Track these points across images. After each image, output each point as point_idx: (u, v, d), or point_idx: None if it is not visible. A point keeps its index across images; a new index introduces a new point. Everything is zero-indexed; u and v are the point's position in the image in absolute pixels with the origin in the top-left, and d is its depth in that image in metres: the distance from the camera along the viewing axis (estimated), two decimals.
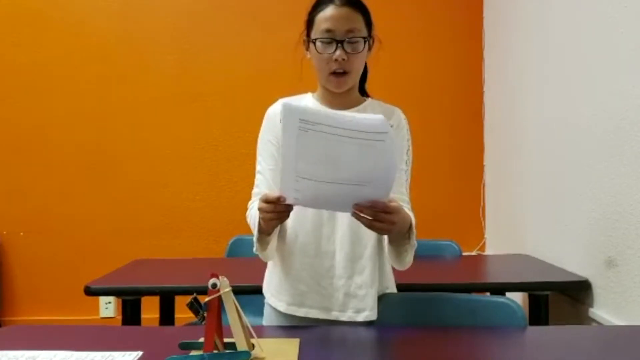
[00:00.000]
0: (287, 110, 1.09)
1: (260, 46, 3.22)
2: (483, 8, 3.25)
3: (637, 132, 1.70)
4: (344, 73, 1.36)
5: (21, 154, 3.19)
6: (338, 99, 1.43)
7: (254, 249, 1.34)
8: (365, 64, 1.47)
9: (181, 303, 1.18)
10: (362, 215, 1.15)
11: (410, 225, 1.29)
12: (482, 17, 3.26)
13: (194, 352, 1.08)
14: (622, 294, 1.79)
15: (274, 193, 1.18)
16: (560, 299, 2.18)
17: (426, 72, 3.27)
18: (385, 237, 1.34)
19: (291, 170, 1.11)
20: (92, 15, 3.20)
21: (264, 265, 1.52)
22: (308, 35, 1.40)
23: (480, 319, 1.43)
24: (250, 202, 1.43)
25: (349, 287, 1.38)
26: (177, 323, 2.37)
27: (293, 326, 1.39)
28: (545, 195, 2.41)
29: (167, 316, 2.34)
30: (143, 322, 2.15)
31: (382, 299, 1.43)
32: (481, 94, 3.27)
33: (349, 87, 1.40)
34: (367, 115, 1.14)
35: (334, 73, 1.36)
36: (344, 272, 1.38)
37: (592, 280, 1.98)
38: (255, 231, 1.31)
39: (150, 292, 2.04)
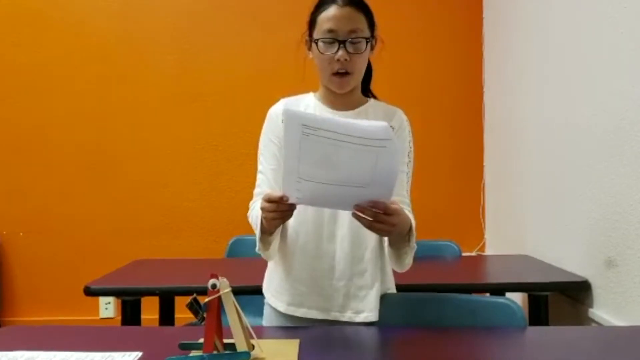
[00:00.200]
0: (289, 116, 1.09)
1: (260, 46, 3.22)
2: (483, 8, 3.25)
3: (637, 132, 1.70)
4: (346, 73, 1.35)
5: (21, 154, 3.19)
6: (340, 99, 1.42)
7: (257, 249, 1.34)
8: (370, 64, 1.47)
9: (181, 303, 1.17)
10: (362, 216, 1.15)
11: (410, 227, 1.29)
12: (482, 17, 3.26)
13: (193, 353, 1.08)
14: (622, 294, 1.79)
15: (276, 192, 1.18)
16: (560, 300, 2.18)
17: (426, 72, 3.27)
18: (386, 239, 1.34)
19: (293, 172, 1.11)
20: (92, 15, 3.20)
21: (264, 266, 1.52)
22: (310, 35, 1.39)
23: (480, 319, 1.43)
24: (252, 202, 1.43)
25: (349, 288, 1.38)
26: (177, 323, 2.37)
27: (293, 327, 1.39)
28: (545, 196, 2.41)
29: (167, 316, 2.34)
30: (143, 323, 2.15)
31: (382, 299, 1.43)
32: (481, 94, 3.27)
33: (351, 88, 1.40)
34: (370, 122, 1.14)
35: (336, 73, 1.35)
36: (344, 273, 1.38)
37: (592, 280, 1.98)
38: (257, 231, 1.31)
39: (150, 292, 2.04)
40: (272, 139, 1.42)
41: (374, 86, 1.54)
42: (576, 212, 2.09)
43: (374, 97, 1.51)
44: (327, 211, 1.36)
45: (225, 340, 1.08)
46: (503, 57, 2.98)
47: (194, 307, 1.07)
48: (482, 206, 3.26)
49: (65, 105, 3.20)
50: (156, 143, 3.22)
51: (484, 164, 3.27)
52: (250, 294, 1.59)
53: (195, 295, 1.09)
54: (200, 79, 3.23)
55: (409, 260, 1.33)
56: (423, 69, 3.27)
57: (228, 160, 3.22)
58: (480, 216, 3.26)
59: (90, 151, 3.21)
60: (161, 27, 3.22)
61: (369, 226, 1.18)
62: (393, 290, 1.50)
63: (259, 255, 1.38)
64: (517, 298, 2.31)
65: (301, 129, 1.07)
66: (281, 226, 1.35)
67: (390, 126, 1.39)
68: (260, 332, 1.26)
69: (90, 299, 2.07)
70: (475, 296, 1.60)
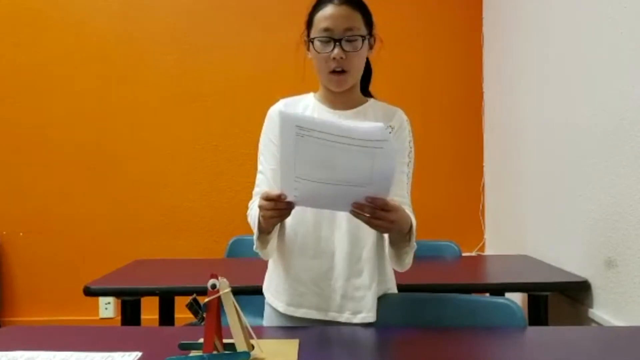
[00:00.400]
0: (284, 118, 1.10)
1: (260, 46, 3.22)
2: (483, 8, 3.25)
3: (637, 132, 1.70)
4: (343, 72, 1.35)
5: (21, 154, 3.19)
6: (339, 99, 1.42)
7: (254, 247, 1.34)
8: (370, 64, 1.47)
9: (181, 303, 1.17)
10: (361, 212, 1.15)
11: (411, 226, 1.28)
12: (482, 17, 3.26)
13: (193, 353, 1.08)
14: (622, 294, 1.79)
15: (274, 190, 1.18)
16: (559, 300, 2.18)
17: (426, 72, 3.27)
18: (386, 238, 1.34)
19: (290, 171, 1.11)
20: (92, 15, 3.20)
21: (264, 266, 1.52)
22: (309, 35, 1.39)
23: (480, 319, 1.43)
24: (251, 202, 1.43)
25: (347, 288, 1.38)
26: (176, 323, 2.37)
27: (293, 327, 1.39)
28: (545, 196, 2.41)
29: (166, 317, 2.34)
30: (143, 323, 2.15)
31: (382, 299, 1.43)
32: (481, 94, 3.27)
33: (349, 86, 1.39)
34: (365, 124, 1.14)
35: (333, 72, 1.36)
36: (342, 273, 1.38)
37: (591, 280, 1.98)
38: (255, 229, 1.31)
39: (150, 292, 2.03)
40: (272, 139, 1.42)
41: (374, 86, 1.54)
42: (576, 212, 2.09)
43: (372, 97, 1.51)
44: (325, 211, 1.36)
45: (225, 340, 1.08)
46: (503, 57, 2.98)
47: (194, 307, 1.07)
48: (482, 206, 3.26)
49: (65, 105, 3.20)
50: (156, 143, 3.22)
51: (484, 164, 3.27)
52: (250, 294, 1.59)
53: (195, 295, 1.09)
54: (200, 79, 3.23)
55: (409, 260, 1.33)
56: (423, 69, 3.27)
57: (228, 160, 3.22)
58: (480, 216, 3.26)
59: (90, 151, 3.21)
60: (161, 27, 3.23)
61: (368, 222, 1.18)
62: (394, 290, 1.50)
63: (259, 255, 1.38)
64: (517, 298, 2.31)
65: (295, 130, 1.07)
66: (279, 225, 1.35)
67: (390, 126, 1.40)
68: (260, 332, 1.26)
69: (90, 299, 2.07)
70: (475, 296, 1.60)
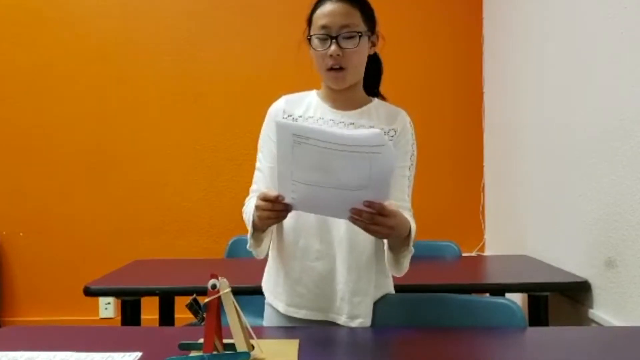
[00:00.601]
0: (281, 127, 1.11)
1: (260, 46, 3.22)
2: (483, 8, 3.25)
3: (637, 132, 1.70)
4: (341, 69, 1.34)
5: (21, 154, 3.19)
6: (341, 98, 1.41)
7: (248, 246, 1.34)
8: (380, 63, 1.46)
9: (181, 304, 1.17)
10: (359, 218, 1.14)
11: (410, 230, 1.27)
12: (482, 17, 3.25)
13: (193, 353, 1.08)
14: (622, 294, 1.79)
15: (272, 191, 1.18)
16: (560, 300, 2.18)
17: (426, 72, 3.27)
18: (385, 242, 1.33)
19: (287, 176, 1.12)
20: (92, 15, 3.20)
21: (263, 266, 1.52)
22: (309, 33, 1.38)
23: (480, 319, 1.43)
24: (247, 198, 1.43)
25: (345, 292, 1.37)
26: (176, 324, 2.36)
27: (293, 327, 1.39)
28: (545, 196, 2.41)
29: (166, 317, 2.34)
30: (143, 323, 2.15)
31: (382, 300, 1.43)
32: (481, 94, 3.27)
33: (348, 84, 1.37)
34: (363, 131, 1.14)
35: (330, 69, 1.34)
36: (340, 277, 1.37)
37: (591, 281, 1.98)
38: (250, 227, 1.31)
39: (150, 292, 2.03)
40: (271, 136, 1.40)
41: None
42: (576, 212, 2.09)
43: (382, 97, 1.49)
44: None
45: (225, 341, 1.08)
46: (503, 57, 2.98)
47: (194, 307, 1.07)
48: (482, 206, 3.26)
49: (65, 105, 3.20)
50: (156, 143, 3.22)
51: (484, 164, 3.27)
52: (250, 294, 1.59)
53: (195, 295, 1.09)
54: (200, 79, 3.23)
55: (406, 264, 1.32)
56: (423, 69, 3.27)
57: (228, 160, 3.22)
58: (480, 216, 3.26)
59: (90, 151, 3.21)
60: (161, 27, 3.22)
61: (366, 228, 1.16)
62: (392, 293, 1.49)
63: (253, 254, 1.38)
64: (517, 298, 2.31)
65: (292, 138, 1.08)
66: (274, 225, 1.34)
67: (393, 129, 1.38)
68: (260, 332, 1.26)
69: (90, 299, 2.07)
70: (475, 296, 1.60)
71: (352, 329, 1.36)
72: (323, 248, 1.37)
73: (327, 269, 1.38)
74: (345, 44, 1.32)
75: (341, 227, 1.36)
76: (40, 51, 3.19)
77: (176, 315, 2.36)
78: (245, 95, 3.19)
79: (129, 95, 3.21)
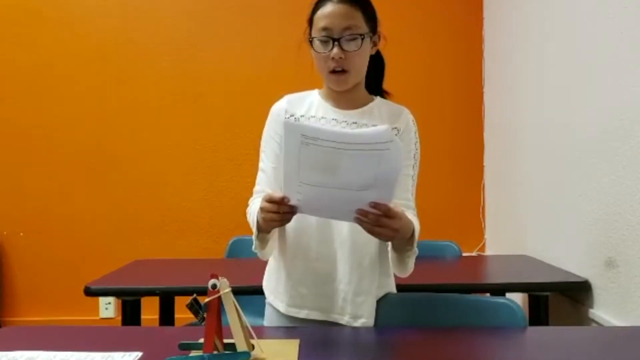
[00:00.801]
0: (289, 127, 1.10)
1: (260, 46, 3.22)
2: (483, 8, 3.25)
3: (637, 132, 1.70)
4: (343, 71, 1.33)
5: (21, 154, 3.19)
6: (343, 98, 1.40)
7: (253, 247, 1.33)
8: (383, 61, 1.45)
9: (181, 303, 1.17)
10: (364, 220, 1.13)
11: (413, 231, 1.27)
12: (482, 17, 3.25)
13: (193, 353, 1.08)
14: (622, 294, 1.79)
15: (277, 193, 1.17)
16: (560, 300, 2.18)
17: (426, 72, 3.27)
18: (389, 243, 1.32)
19: (294, 176, 1.11)
20: (92, 15, 3.20)
21: (264, 266, 1.52)
22: (310, 34, 1.37)
23: (480, 319, 1.43)
24: (251, 200, 1.42)
25: (347, 293, 1.37)
26: (177, 324, 2.36)
27: (293, 327, 1.38)
28: (545, 196, 2.41)
29: (167, 317, 2.34)
30: (143, 323, 2.15)
31: (383, 300, 1.43)
32: (481, 94, 3.27)
33: (350, 86, 1.37)
34: (370, 129, 1.12)
35: (333, 72, 1.33)
36: (343, 277, 1.37)
37: (592, 281, 1.98)
38: (254, 229, 1.30)
39: (150, 292, 2.04)
40: (274, 136, 1.41)
41: None
42: (576, 212, 2.09)
43: (386, 94, 1.48)
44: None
45: (225, 340, 1.08)
46: (503, 57, 2.98)
47: (194, 307, 1.07)
48: (482, 206, 3.26)
49: (65, 105, 3.20)
50: (156, 143, 3.22)
51: (484, 164, 3.27)
52: (250, 294, 1.59)
53: (195, 295, 1.08)
54: (200, 79, 3.23)
55: (411, 265, 1.31)
56: (423, 69, 3.26)
57: (228, 160, 3.22)
58: (480, 216, 3.26)
59: (90, 151, 3.21)
60: (161, 27, 3.22)
61: (371, 231, 1.15)
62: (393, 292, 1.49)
63: (257, 255, 1.37)
64: (517, 298, 2.31)
65: (300, 138, 1.07)
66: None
67: (396, 127, 1.38)
68: (261, 332, 1.26)
69: (90, 299, 2.07)
70: (475, 296, 1.60)
71: (351, 329, 1.36)
72: (324, 248, 1.37)
73: (329, 270, 1.37)
74: (348, 46, 1.31)
75: (343, 228, 1.36)
76: (40, 51, 3.19)
77: (176, 315, 2.36)
78: (245, 95, 3.20)
79: (129, 95, 3.21)
